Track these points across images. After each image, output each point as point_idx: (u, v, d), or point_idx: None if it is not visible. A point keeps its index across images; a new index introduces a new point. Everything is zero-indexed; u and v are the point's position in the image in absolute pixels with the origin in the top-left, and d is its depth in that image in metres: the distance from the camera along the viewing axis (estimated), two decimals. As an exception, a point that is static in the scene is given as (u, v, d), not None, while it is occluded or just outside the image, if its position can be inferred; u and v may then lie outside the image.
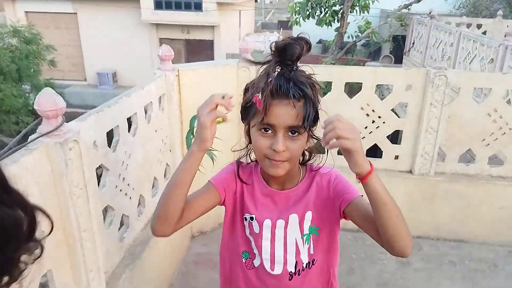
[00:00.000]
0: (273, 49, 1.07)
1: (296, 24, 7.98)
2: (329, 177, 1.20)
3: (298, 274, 1.24)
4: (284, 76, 1.05)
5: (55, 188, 1.62)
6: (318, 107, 1.12)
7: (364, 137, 3.22)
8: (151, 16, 14.36)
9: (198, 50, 14.51)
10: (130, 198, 2.30)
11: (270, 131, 1.07)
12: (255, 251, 1.25)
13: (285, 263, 1.23)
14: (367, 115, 3.15)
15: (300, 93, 1.04)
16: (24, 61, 9.67)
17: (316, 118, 1.12)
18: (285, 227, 1.20)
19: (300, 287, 1.25)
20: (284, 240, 1.22)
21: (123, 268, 2.18)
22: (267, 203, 1.22)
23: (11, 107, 8.89)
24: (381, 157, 3.31)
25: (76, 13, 15.10)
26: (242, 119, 1.18)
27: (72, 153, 1.65)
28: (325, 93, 3.29)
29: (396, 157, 3.27)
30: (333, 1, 7.48)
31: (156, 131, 2.59)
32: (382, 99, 3.17)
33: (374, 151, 3.41)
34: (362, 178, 0.94)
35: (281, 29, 17.08)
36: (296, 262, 1.23)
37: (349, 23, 7.70)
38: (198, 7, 14.07)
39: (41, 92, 1.54)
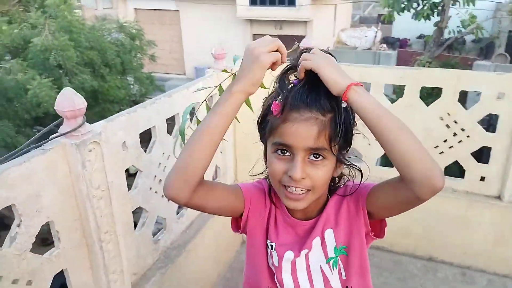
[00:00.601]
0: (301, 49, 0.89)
1: (390, 18, 7.35)
2: (345, 188, 1.01)
3: None
4: (311, 83, 0.85)
5: (73, 189, 1.60)
6: (354, 126, 0.92)
7: (442, 152, 2.77)
8: (246, 12, 14.58)
9: (289, 46, 14.36)
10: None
11: (287, 153, 0.87)
12: (279, 286, 1.05)
13: None
14: (447, 126, 2.70)
15: (328, 105, 0.84)
16: (128, 55, 10.41)
17: (348, 140, 0.91)
18: (307, 254, 1.00)
19: None
20: (307, 269, 1.02)
21: (155, 271, 2.14)
22: (288, 233, 1.03)
23: (114, 97, 9.74)
24: (463, 177, 2.82)
25: (178, 10, 15.99)
26: (260, 138, 0.98)
27: (92, 154, 1.61)
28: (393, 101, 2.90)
29: (482, 179, 2.76)
30: (433, -8, 6.74)
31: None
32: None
33: (455, 170, 2.92)
34: (343, 96, 0.81)
35: (380, 23, 16.09)
36: None
37: (450, 17, 6.84)
38: (292, 2, 13.90)
39: (61, 92, 1.52)
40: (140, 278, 2.07)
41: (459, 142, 2.71)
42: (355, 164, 0.97)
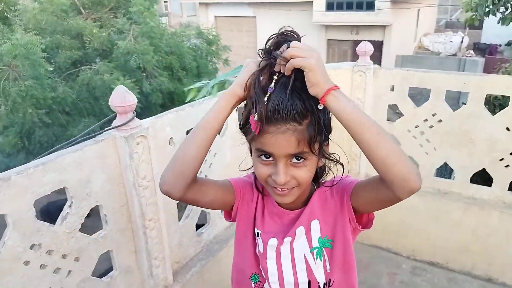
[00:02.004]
0: (261, 56, 0.90)
1: (473, 22, 6.82)
2: (331, 181, 1.04)
3: None
4: (284, 88, 0.86)
5: (121, 177, 1.77)
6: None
7: (508, 165, 2.54)
8: (321, 17, 14.50)
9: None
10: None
11: (270, 158, 0.92)
12: (264, 274, 1.10)
13: (296, 284, 1.05)
14: (514, 138, 2.47)
15: (304, 111, 0.86)
16: (204, 59, 10.88)
17: (328, 133, 0.93)
18: (291, 242, 1.04)
19: None
20: (291, 257, 1.05)
21: (196, 262, 2.26)
22: (274, 221, 1.08)
23: (190, 100, 10.29)
24: (530, 193, 2.56)
25: (255, 16, 16.41)
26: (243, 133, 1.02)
27: (139, 147, 1.77)
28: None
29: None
30: (523, -6, 6.11)
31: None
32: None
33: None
34: (321, 99, 0.83)
35: (467, 28, 14.99)
36: (309, 281, 1.04)
37: (544, 20, 6.18)
38: (370, 6, 13.53)
39: (115, 89, 1.69)
40: (181, 267, 2.20)
41: (527, 155, 2.47)
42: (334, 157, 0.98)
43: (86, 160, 1.61)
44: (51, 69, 7.24)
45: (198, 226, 2.36)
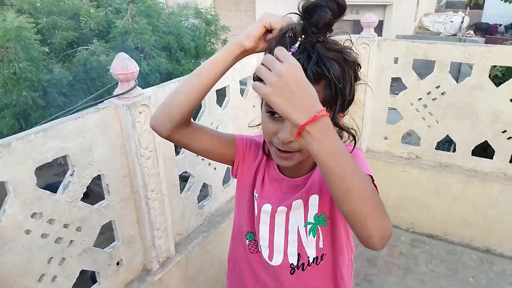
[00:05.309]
0: (299, 10, 0.83)
1: (477, 1, 6.72)
2: None
3: (303, 269, 1.05)
4: (306, 49, 0.82)
5: (124, 146, 1.75)
6: (354, 88, 0.89)
7: (510, 137, 2.53)
8: (321, -3, 14.24)
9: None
10: (215, 168, 2.35)
11: (278, 115, 0.87)
12: (256, 234, 1.10)
13: (285, 253, 1.05)
14: (518, 109, 2.46)
15: (319, 72, 0.81)
16: (202, 40, 10.74)
17: (345, 102, 0.87)
18: (287, 212, 1.03)
19: (304, 284, 1.06)
20: (285, 227, 1.04)
21: (198, 234, 2.27)
22: (272, 187, 1.06)
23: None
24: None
25: (254, -4, 16.13)
26: None
27: (142, 116, 1.74)
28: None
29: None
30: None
31: (254, 106, 2.56)
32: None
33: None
34: (296, 134, 0.71)
35: (468, 8, 14.81)
36: (299, 254, 1.04)
37: (547, -4, 6.09)
38: (370, -15, 13.31)
39: (116, 56, 1.66)
40: (183, 239, 2.20)
41: (531, 128, 2.46)
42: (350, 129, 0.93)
43: (87, 128, 1.58)
44: (47, 50, 7.15)
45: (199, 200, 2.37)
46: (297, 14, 0.83)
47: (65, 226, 1.58)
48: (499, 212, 2.71)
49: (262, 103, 0.95)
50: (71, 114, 1.59)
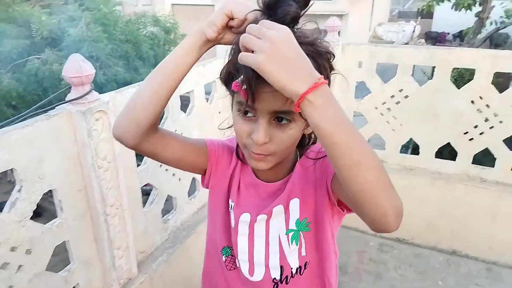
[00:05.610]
0: (260, 6, 0.75)
1: (429, 9, 7.01)
2: (316, 153, 0.90)
3: (286, 282, 0.95)
4: None
5: (79, 157, 1.60)
6: (330, 79, 0.81)
7: (472, 138, 2.59)
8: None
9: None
10: (180, 179, 2.22)
11: (251, 114, 0.79)
12: (234, 248, 1.00)
13: (267, 266, 0.96)
14: (479, 111, 2.52)
15: None
16: (161, 48, 10.55)
17: None
18: (268, 220, 0.93)
19: None
20: (266, 237, 0.95)
21: (162, 251, 2.12)
22: (249, 194, 0.96)
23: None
24: (493, 165, 2.63)
25: (213, 5, 16.10)
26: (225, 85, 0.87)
27: (99, 124, 1.60)
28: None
29: (515, 168, 2.56)
30: (475, -20, 6.35)
31: (220, 112, 2.46)
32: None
33: (485, 157, 2.73)
34: (294, 107, 0.63)
35: (419, 18, 15.53)
36: (281, 267, 0.95)
37: (493, 6, 6.43)
38: (328, -5, 13.66)
39: (69, 57, 1.51)
40: (147, 257, 2.05)
41: (490, 128, 2.53)
42: None
43: (37, 138, 1.42)
44: (-5, 60, 6.73)
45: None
46: (260, 11, 0.75)
47: (13, 249, 1.41)
48: (464, 213, 2.76)
49: (232, 103, 0.85)
50: (19, 122, 1.43)
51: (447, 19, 12.55)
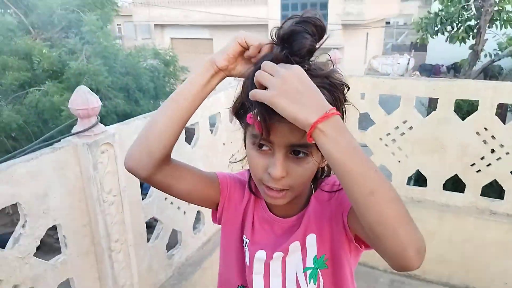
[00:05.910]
0: (274, 39, 0.73)
1: (423, 42, 7.18)
2: (331, 186, 0.87)
3: None
4: None
5: (84, 191, 1.55)
6: (344, 112, 0.79)
7: (479, 170, 2.57)
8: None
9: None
10: (184, 212, 2.16)
11: (267, 148, 0.76)
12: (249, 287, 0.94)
13: None
14: (485, 142, 2.51)
15: None
16: (161, 80, 10.69)
17: None
18: (284, 258, 0.89)
19: None
20: (282, 276, 0.90)
21: (167, 288, 2.04)
22: (264, 230, 0.92)
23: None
24: (502, 198, 2.59)
25: (212, 38, 16.46)
26: (238, 121, 0.85)
27: (104, 156, 1.57)
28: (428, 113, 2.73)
29: (525, 200, 2.52)
30: (468, 15, 6.51)
31: (224, 144, 2.44)
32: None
33: (494, 190, 2.69)
34: (307, 137, 0.64)
35: (413, 51, 15.90)
36: None
37: (486, 39, 6.59)
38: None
39: (76, 89, 1.49)
40: (152, 294, 1.97)
41: (497, 159, 2.51)
42: None
43: (42, 171, 1.38)
44: (-4, 92, 6.77)
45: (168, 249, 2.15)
46: (274, 43, 0.74)
47: (15, 287, 1.34)
48: (476, 247, 2.69)
49: (244, 136, 0.83)
50: (23, 155, 1.39)
51: (440, 51, 12.83)
